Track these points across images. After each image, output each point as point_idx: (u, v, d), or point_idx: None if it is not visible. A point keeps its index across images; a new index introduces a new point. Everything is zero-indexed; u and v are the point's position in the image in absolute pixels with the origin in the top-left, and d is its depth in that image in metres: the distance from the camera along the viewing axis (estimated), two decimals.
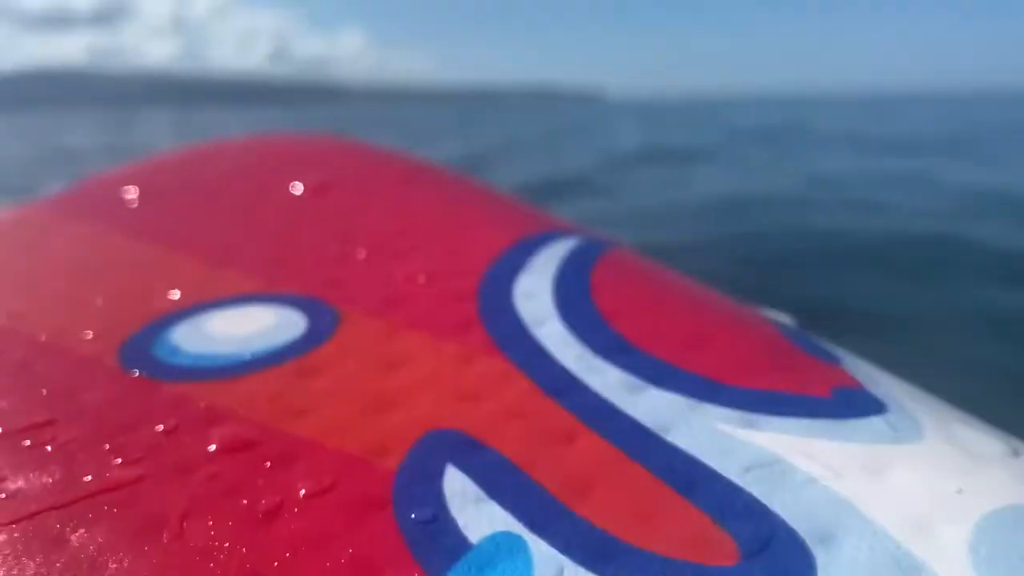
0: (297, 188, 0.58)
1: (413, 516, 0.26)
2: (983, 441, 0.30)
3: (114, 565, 0.25)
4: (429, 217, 0.52)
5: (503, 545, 0.25)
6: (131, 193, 0.59)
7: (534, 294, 0.41)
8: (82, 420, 0.33)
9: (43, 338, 0.40)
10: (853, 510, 0.26)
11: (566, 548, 0.25)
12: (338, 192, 0.57)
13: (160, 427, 0.32)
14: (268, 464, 0.29)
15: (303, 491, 0.28)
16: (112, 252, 0.51)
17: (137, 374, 0.36)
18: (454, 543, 0.25)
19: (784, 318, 0.44)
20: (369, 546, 0.25)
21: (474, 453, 0.29)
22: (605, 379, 0.34)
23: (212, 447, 0.31)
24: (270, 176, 0.61)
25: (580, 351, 0.36)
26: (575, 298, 0.41)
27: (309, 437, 0.31)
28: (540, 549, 0.25)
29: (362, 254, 0.47)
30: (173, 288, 0.45)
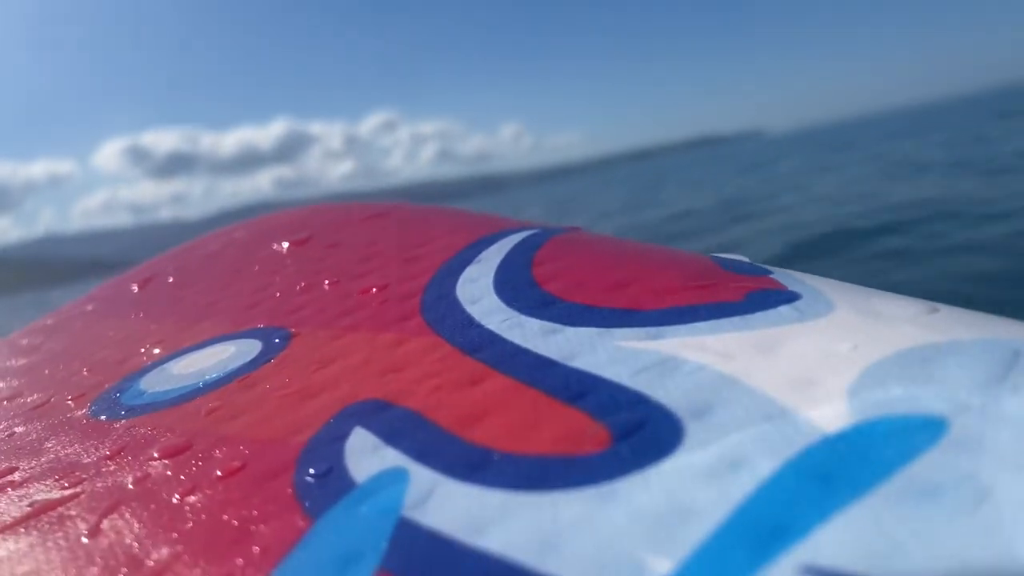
0: (283, 246, 0.61)
1: (311, 472, 0.27)
2: (900, 306, 0.29)
3: (39, 569, 0.26)
4: (390, 241, 0.54)
5: (386, 479, 0.25)
6: (135, 283, 0.64)
7: (476, 279, 0.42)
8: (40, 463, 0.35)
9: (28, 408, 0.43)
10: (736, 383, 0.25)
11: (445, 468, 0.25)
12: (315, 242, 0.60)
13: (107, 453, 0.34)
14: (192, 461, 0.30)
15: (217, 474, 0.29)
16: (106, 332, 0.54)
17: (102, 419, 0.38)
18: (340, 486, 0.25)
19: (738, 257, 0.43)
20: (260, 506, 0.26)
21: (383, 413, 0.30)
22: (525, 331, 0.34)
23: (146, 459, 0.32)
24: (257, 242, 0.64)
25: (507, 315, 0.36)
26: (513, 274, 0.41)
27: (235, 434, 0.32)
28: (419, 474, 0.25)
29: (326, 285, 0.49)
30: (154, 348, 0.47)
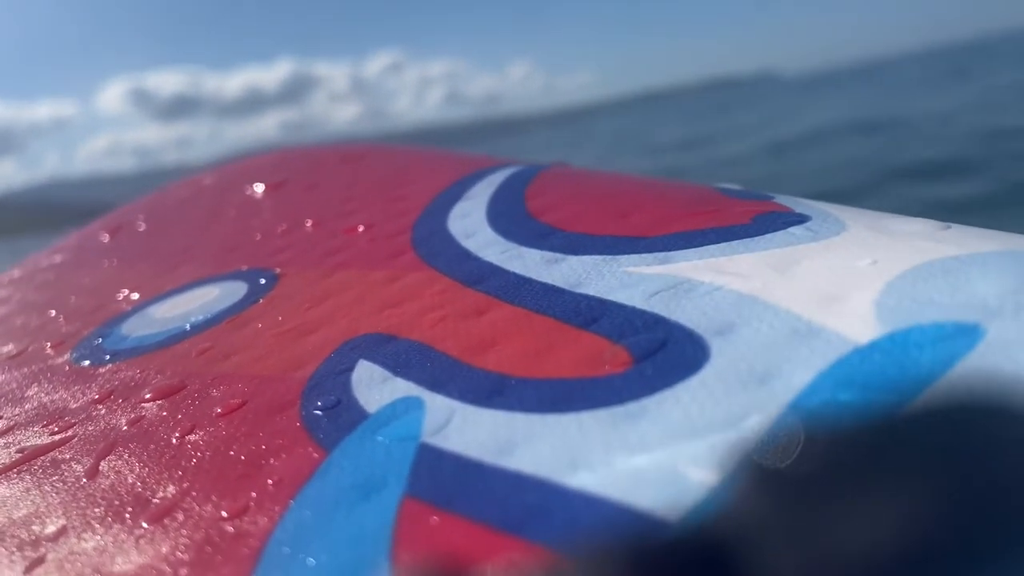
0: (257, 190, 0.59)
1: (318, 404, 0.26)
2: (912, 224, 0.28)
3: (38, 512, 0.25)
4: (370, 182, 0.52)
5: (400, 407, 0.24)
6: (104, 232, 0.61)
7: (468, 214, 0.41)
8: (24, 410, 0.33)
9: (3, 358, 0.41)
10: (756, 301, 0.24)
11: (460, 395, 0.24)
12: (291, 185, 0.58)
13: (95, 397, 0.32)
14: (188, 401, 0.29)
15: (216, 412, 0.28)
16: (79, 280, 0.52)
17: (86, 364, 0.37)
18: (352, 417, 0.25)
19: (733, 185, 0.43)
20: (268, 440, 0.25)
21: (387, 345, 0.29)
22: (526, 262, 0.33)
23: (138, 401, 0.31)
24: (230, 187, 0.62)
25: (505, 247, 0.35)
26: (506, 208, 0.40)
27: (231, 372, 0.31)
28: (435, 402, 0.24)
29: (308, 225, 0.48)
30: (132, 293, 0.46)
